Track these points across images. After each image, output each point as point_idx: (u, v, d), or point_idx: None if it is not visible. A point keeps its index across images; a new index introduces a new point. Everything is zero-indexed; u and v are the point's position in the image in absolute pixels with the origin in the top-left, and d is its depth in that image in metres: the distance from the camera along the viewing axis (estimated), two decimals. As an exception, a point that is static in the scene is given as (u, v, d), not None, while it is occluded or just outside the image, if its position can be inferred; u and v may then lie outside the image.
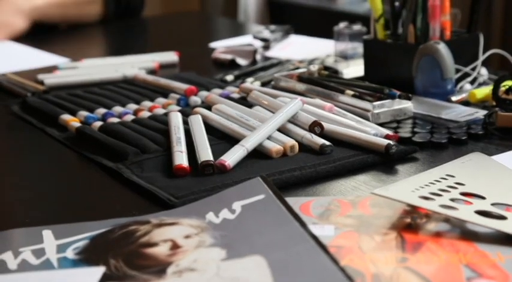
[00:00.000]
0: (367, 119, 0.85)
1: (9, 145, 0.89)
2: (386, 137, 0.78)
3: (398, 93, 0.87)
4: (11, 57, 1.35)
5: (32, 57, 1.33)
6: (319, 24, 2.10)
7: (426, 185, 0.64)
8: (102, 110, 0.93)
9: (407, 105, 0.88)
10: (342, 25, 1.19)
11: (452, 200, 0.61)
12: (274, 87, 0.99)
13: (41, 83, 1.10)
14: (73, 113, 0.92)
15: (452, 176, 0.67)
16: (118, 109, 0.94)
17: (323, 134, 0.79)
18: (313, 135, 0.78)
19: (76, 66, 1.20)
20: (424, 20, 0.96)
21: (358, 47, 1.16)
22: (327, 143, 0.76)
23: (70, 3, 1.55)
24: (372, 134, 0.78)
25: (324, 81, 0.95)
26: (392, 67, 0.99)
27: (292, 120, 0.81)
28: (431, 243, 0.56)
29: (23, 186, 0.75)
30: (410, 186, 0.64)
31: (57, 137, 0.86)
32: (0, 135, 0.93)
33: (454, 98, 0.92)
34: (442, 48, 0.91)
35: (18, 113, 0.96)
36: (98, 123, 0.87)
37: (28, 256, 0.56)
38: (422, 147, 0.78)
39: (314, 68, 1.00)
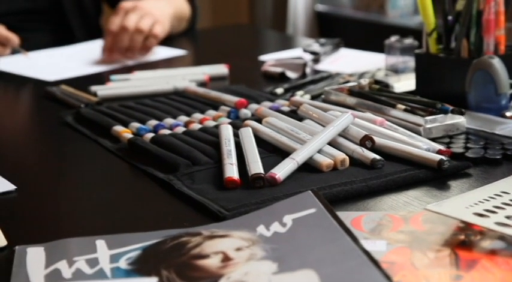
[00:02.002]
0: (419, 133, 0.84)
1: (63, 155, 0.90)
2: (439, 152, 0.77)
3: (451, 108, 0.86)
4: (68, 63, 1.38)
5: (88, 65, 1.36)
6: (369, 37, 2.08)
7: (480, 202, 0.63)
8: (153, 122, 0.94)
9: (460, 120, 0.87)
10: (393, 39, 1.18)
11: (507, 217, 0.60)
12: (325, 101, 0.99)
13: (94, 94, 1.12)
14: (125, 125, 0.93)
15: (507, 193, 0.66)
16: (169, 121, 0.95)
17: (374, 148, 0.78)
18: (364, 149, 0.77)
19: (128, 78, 1.22)
20: (478, 34, 0.95)
21: (409, 61, 1.15)
22: (378, 157, 0.75)
23: (177, 18, 1.57)
24: (424, 149, 0.77)
25: (374, 95, 0.94)
26: (445, 81, 0.98)
27: (343, 134, 0.81)
28: (486, 261, 0.55)
29: (76, 197, 0.76)
30: (464, 202, 0.63)
31: (110, 148, 0.88)
32: (54, 145, 0.94)
33: (508, 114, 0.90)
34: (497, 62, 0.90)
35: (72, 124, 0.98)
36: (150, 135, 0.88)
37: (82, 265, 0.57)
38: (475, 163, 0.77)
39: (365, 81, 1.00)
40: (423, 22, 1.00)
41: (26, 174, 0.82)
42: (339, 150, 0.78)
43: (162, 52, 1.43)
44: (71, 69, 1.33)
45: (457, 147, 0.81)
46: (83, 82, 1.20)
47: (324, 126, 0.83)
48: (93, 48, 1.45)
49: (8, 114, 1.13)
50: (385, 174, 0.73)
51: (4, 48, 1.27)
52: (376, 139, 0.79)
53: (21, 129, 1.04)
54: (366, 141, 0.78)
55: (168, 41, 1.46)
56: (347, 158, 0.76)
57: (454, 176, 0.74)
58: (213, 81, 1.21)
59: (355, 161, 0.77)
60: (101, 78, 1.24)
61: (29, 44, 1.31)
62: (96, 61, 1.38)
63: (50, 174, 0.83)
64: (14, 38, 1.27)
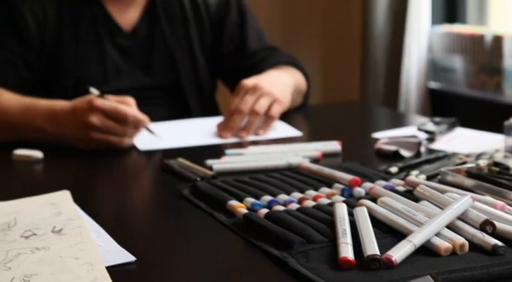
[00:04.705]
0: (543, 219, 0.81)
1: (179, 228, 0.92)
2: None
3: None
4: (184, 134, 1.43)
5: (204, 137, 1.40)
6: (485, 116, 2.04)
7: None
8: (267, 197, 0.95)
9: None
10: (513, 120, 1.15)
11: None
12: (441, 182, 0.97)
13: (210, 168, 1.14)
14: (240, 199, 0.95)
15: None
16: (283, 197, 0.96)
17: (495, 234, 0.76)
18: (484, 234, 0.75)
19: (242, 152, 1.25)
20: None
21: (530, 143, 1.12)
22: (500, 243, 0.73)
23: (297, 90, 1.59)
24: (549, 236, 0.74)
25: (494, 177, 0.92)
26: None
27: (462, 217, 0.79)
28: None
29: (190, 270, 0.77)
30: None
31: (225, 222, 0.89)
32: (172, 218, 0.97)
33: None
34: None
35: (189, 197, 1.00)
36: (264, 211, 0.89)
37: None
38: None
39: (483, 163, 0.98)
40: (546, 104, 0.97)
41: (145, 245, 0.85)
42: (458, 234, 0.76)
43: (279, 129, 1.44)
44: (186, 141, 1.37)
45: None
46: (198, 154, 1.23)
47: (441, 208, 0.82)
48: (209, 123, 1.50)
49: (127, 185, 1.17)
50: (507, 262, 0.71)
51: (136, 130, 1.31)
52: (497, 224, 0.76)
53: (140, 201, 1.08)
54: (487, 226, 0.76)
55: (282, 117, 1.49)
56: (466, 242, 0.74)
57: None
58: (326, 158, 1.21)
59: (475, 246, 0.74)
60: (215, 151, 1.27)
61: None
62: (212, 134, 1.41)
63: (167, 246, 0.85)
64: (146, 120, 1.31)
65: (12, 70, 1.52)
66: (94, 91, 1.31)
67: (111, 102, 1.28)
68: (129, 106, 1.29)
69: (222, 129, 1.39)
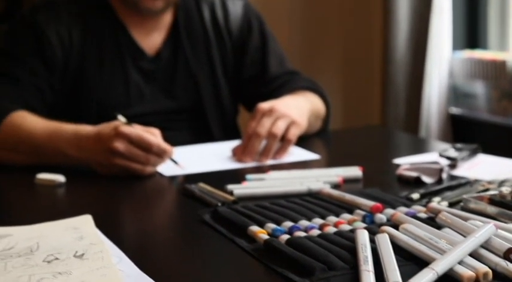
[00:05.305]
0: None
1: (200, 253, 0.92)
2: None
3: None
4: (205, 159, 1.43)
5: (224, 162, 1.40)
6: (508, 143, 2.02)
7: None
8: (288, 223, 0.95)
9: None
10: (536, 146, 1.14)
11: None
12: (463, 209, 0.96)
13: (231, 193, 1.15)
14: (261, 225, 0.95)
15: None
16: (304, 223, 0.95)
17: (519, 262, 0.75)
18: (508, 262, 0.74)
19: (263, 178, 1.25)
20: None
21: (554, 170, 1.11)
22: (524, 272, 0.72)
23: (314, 114, 1.58)
24: None
25: (517, 205, 0.91)
26: None
27: (485, 245, 0.78)
28: None
29: (213, 295, 0.77)
30: None
31: (246, 248, 0.89)
32: (192, 243, 0.97)
33: None
34: None
35: (210, 222, 1.00)
36: (285, 237, 0.89)
37: None
38: None
39: (506, 190, 0.97)
40: None
41: (166, 270, 0.85)
42: (481, 262, 0.75)
43: (295, 154, 1.44)
44: (207, 165, 1.37)
45: None
46: (219, 179, 1.23)
47: (464, 236, 0.81)
48: (229, 147, 1.50)
49: (148, 210, 1.17)
50: (531, 291, 0.70)
51: (160, 160, 1.31)
52: (521, 253, 0.76)
53: (161, 226, 1.08)
54: (511, 254, 0.75)
55: (302, 141, 1.49)
56: (490, 271, 0.73)
57: None
58: (347, 184, 1.21)
59: (498, 275, 0.74)
60: (236, 176, 1.27)
61: (168, 142, 1.36)
62: (232, 159, 1.41)
63: (188, 272, 0.85)
64: (170, 150, 1.31)
65: (37, 93, 1.53)
66: (121, 119, 1.32)
67: (137, 130, 1.29)
68: (154, 136, 1.30)
69: (240, 153, 1.39)
